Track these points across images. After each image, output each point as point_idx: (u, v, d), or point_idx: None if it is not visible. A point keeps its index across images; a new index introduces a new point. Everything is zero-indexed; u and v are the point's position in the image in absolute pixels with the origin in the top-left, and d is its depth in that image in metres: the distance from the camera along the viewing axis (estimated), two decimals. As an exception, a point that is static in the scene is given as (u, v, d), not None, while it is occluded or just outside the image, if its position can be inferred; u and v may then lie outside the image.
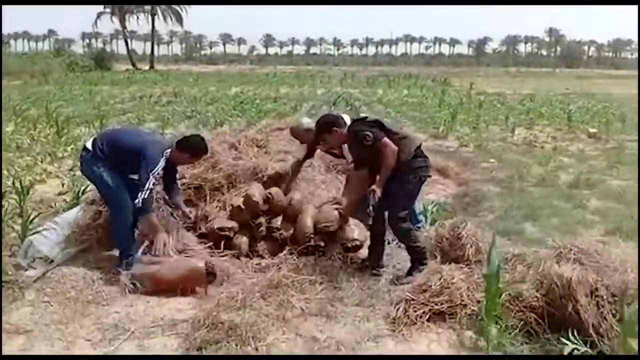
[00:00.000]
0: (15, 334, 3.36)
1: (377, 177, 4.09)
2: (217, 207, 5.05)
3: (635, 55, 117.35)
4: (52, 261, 4.33)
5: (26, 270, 4.19)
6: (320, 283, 4.03)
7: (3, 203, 5.11)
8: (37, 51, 60.30)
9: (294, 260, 4.42)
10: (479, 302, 3.50)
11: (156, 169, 4.11)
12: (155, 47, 70.10)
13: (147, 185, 4.04)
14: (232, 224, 4.70)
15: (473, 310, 3.44)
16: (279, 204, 4.76)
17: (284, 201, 4.78)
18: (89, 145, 4.42)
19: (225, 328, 3.32)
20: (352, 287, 3.96)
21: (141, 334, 3.38)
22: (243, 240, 4.66)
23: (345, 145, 4.51)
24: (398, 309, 3.47)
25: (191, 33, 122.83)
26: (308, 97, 21.15)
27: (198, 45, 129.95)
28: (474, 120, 12.85)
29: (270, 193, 4.76)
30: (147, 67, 53.72)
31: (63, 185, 6.69)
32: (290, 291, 3.87)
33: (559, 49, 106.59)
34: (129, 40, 60.70)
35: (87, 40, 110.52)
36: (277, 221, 4.74)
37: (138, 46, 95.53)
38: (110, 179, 4.26)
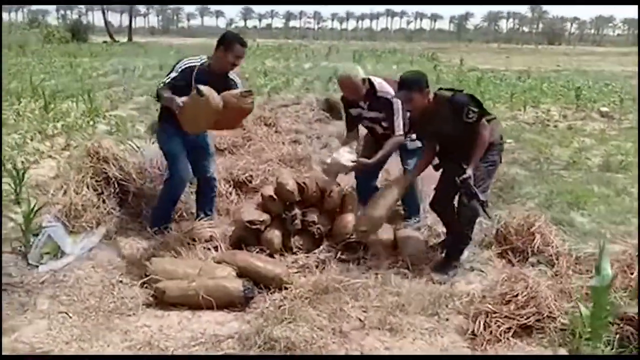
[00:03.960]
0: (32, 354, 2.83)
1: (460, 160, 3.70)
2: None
3: (617, 32, 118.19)
4: (63, 255, 3.84)
5: (37, 266, 3.67)
6: (374, 287, 3.55)
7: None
8: (10, 22, 58.03)
9: (338, 258, 3.94)
10: (566, 313, 3.07)
11: (180, 65, 4.02)
12: (132, 19, 67.89)
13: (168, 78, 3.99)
14: (264, 216, 4.17)
15: (563, 324, 3.00)
16: (314, 194, 4.25)
17: (318, 192, 4.27)
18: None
19: (281, 347, 2.84)
20: (410, 293, 3.49)
21: (181, 354, 2.88)
22: (275, 235, 4.14)
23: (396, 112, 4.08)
24: (478, 323, 3.01)
25: (168, 5, 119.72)
26: (297, 72, 20.44)
27: (175, 18, 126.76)
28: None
29: (304, 182, 4.24)
30: (124, 39, 51.95)
31: (59, 167, 6.06)
32: (343, 298, 3.38)
33: (540, 25, 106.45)
34: (105, 12, 58.62)
35: (62, 12, 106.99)
36: (313, 214, 4.23)
37: (114, 18, 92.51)
38: (171, 146, 4.24)
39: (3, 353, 2.79)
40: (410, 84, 3.77)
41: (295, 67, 22.92)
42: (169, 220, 4.50)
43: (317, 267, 3.85)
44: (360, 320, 3.20)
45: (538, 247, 3.87)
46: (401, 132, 4.14)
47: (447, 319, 3.26)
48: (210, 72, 4.01)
